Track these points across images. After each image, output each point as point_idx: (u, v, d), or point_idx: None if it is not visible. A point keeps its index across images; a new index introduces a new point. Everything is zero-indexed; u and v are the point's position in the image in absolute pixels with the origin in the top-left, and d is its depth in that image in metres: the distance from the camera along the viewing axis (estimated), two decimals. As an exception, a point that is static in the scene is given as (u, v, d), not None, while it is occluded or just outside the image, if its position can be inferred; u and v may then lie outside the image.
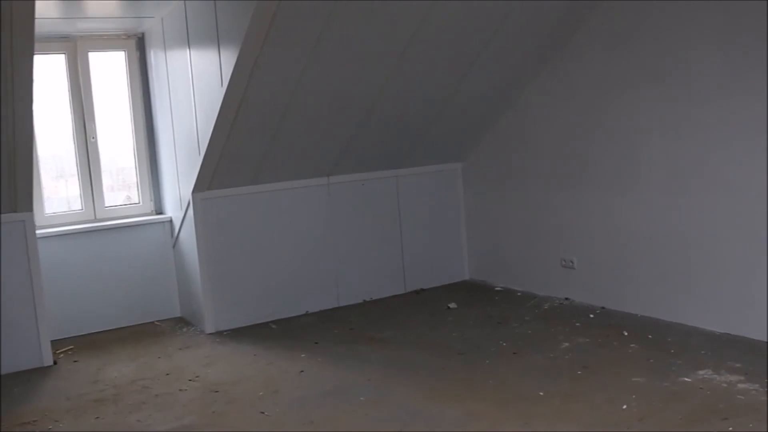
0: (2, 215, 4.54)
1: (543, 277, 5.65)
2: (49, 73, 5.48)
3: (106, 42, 5.60)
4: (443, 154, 6.08)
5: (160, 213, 5.83)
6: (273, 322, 5.43)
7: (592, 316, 5.01)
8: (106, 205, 5.69)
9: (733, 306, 4.37)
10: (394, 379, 4.10)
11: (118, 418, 3.81)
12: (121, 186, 5.88)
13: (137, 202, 5.83)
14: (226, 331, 5.26)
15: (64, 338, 5.28)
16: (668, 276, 4.73)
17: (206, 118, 4.76)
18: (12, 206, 4.55)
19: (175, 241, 5.64)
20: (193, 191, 5.13)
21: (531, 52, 5.24)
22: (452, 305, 5.53)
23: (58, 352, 4.96)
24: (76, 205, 5.62)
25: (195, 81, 4.93)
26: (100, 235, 5.50)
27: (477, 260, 6.30)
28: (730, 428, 3.17)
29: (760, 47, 4.05)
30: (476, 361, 4.30)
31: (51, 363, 4.76)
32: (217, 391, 4.08)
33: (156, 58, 5.56)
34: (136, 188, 5.83)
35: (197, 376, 4.35)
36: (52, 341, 4.90)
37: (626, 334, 4.55)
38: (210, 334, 5.22)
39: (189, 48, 4.96)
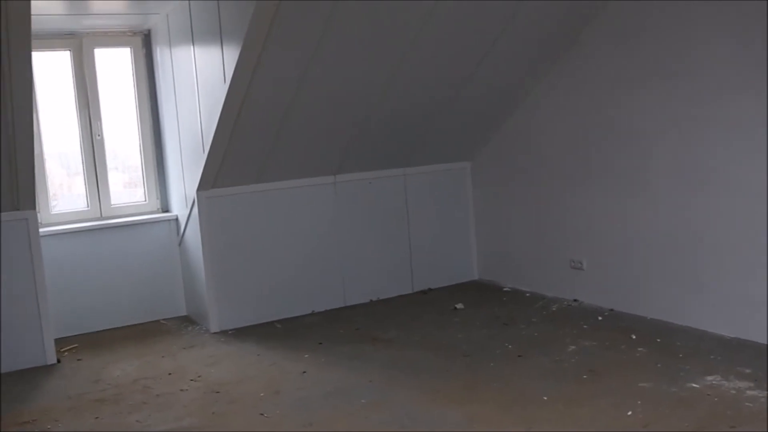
0: (3, 213, 4.53)
1: (552, 278, 5.58)
2: (54, 70, 5.46)
3: (111, 39, 5.57)
4: (451, 153, 6.02)
5: (167, 211, 5.80)
6: (278, 321, 5.39)
7: (600, 318, 4.94)
8: (113, 203, 5.67)
9: (744, 310, 4.28)
10: (396, 380, 4.06)
11: (118, 419, 3.79)
12: (131, 183, 5.87)
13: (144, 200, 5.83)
14: (230, 330, 5.23)
15: (70, 336, 5.28)
16: (679, 278, 4.64)
17: (210, 115, 4.73)
18: (14, 204, 4.54)
19: (181, 240, 5.61)
20: (198, 189, 5.10)
21: (539, 50, 5.16)
22: (459, 306, 5.47)
23: (62, 350, 4.96)
24: (82, 202, 5.61)
25: (199, 78, 4.89)
26: (106, 233, 5.49)
27: (486, 260, 6.23)
28: (738, 436, 3.10)
29: (774, 45, 3.96)
30: (481, 363, 4.25)
31: (54, 361, 4.76)
32: (218, 392, 4.06)
33: (162, 56, 5.53)
34: (142, 186, 5.82)
35: (199, 376, 4.33)
36: (57, 339, 4.91)
37: (634, 337, 4.48)
38: (215, 333, 5.20)
39: (193, 45, 4.92)
